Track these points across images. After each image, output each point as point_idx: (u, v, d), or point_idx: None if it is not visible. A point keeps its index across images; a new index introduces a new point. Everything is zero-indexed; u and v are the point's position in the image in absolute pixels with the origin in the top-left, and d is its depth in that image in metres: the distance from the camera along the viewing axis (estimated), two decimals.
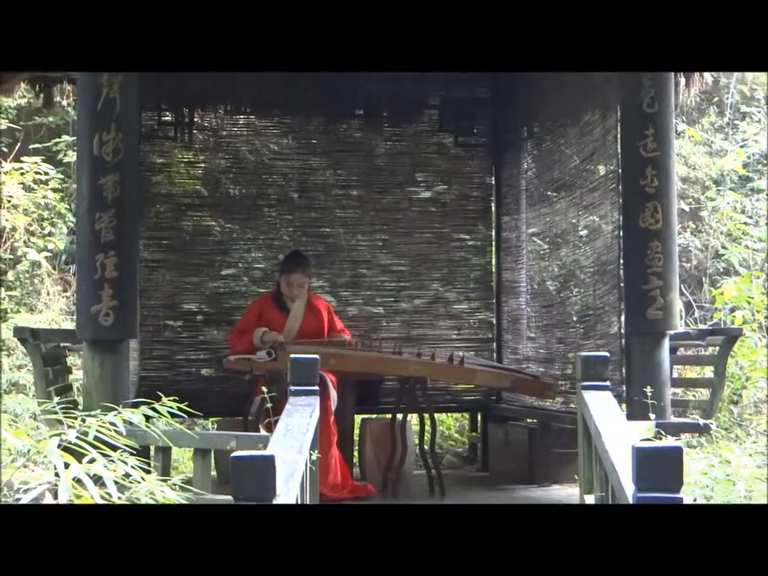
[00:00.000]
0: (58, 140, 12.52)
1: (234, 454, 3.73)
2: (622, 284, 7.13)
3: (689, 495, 4.49)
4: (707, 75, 8.83)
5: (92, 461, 4.48)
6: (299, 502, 4.55)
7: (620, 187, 7.15)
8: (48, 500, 4.43)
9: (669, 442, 5.29)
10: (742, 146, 12.94)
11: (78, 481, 4.40)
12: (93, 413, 5.06)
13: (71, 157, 11.83)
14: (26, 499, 4.64)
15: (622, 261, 7.13)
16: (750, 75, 13.15)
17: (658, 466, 3.72)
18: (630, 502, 3.82)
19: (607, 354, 6.19)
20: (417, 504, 5.97)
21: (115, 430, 4.81)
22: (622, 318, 7.09)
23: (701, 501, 5.49)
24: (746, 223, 12.36)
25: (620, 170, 7.12)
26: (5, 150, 12.75)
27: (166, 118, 9.18)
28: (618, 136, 7.16)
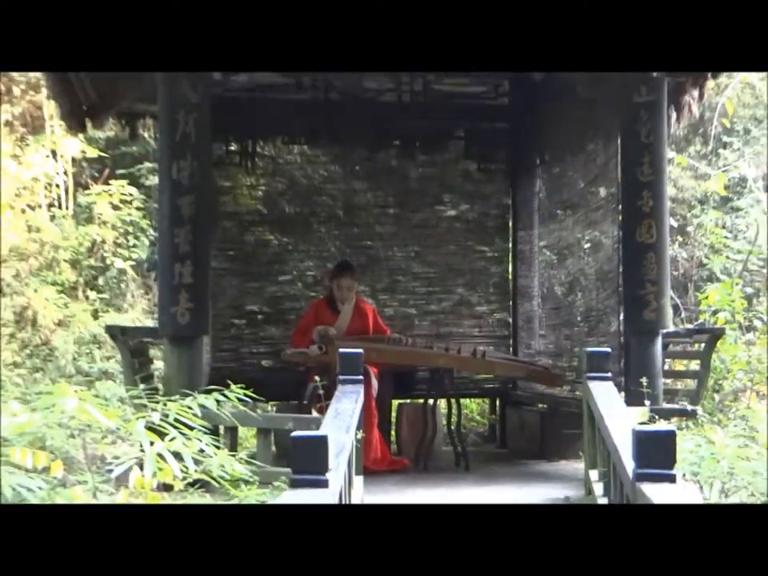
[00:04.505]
0: (140, 166, 12.59)
1: (294, 433, 3.74)
2: (620, 289, 7.10)
3: (679, 471, 4.45)
4: (695, 109, 8.78)
5: (172, 439, 4.52)
6: (347, 476, 4.56)
7: (619, 207, 7.12)
8: (135, 472, 4.44)
9: (663, 425, 5.28)
10: (723, 171, 12.85)
11: (161, 456, 4.43)
12: (173, 398, 5.10)
13: (152, 180, 11.87)
14: (117, 471, 4.68)
15: (621, 270, 7.09)
16: (730, 109, 13.05)
17: (655, 446, 3.71)
18: (630, 476, 3.81)
19: (608, 349, 6.18)
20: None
21: (192, 413, 4.85)
22: (621, 319, 7.06)
23: (689, 476, 5.46)
24: (726, 237, 12.27)
25: (619, 193, 7.09)
26: (96, 174, 12.86)
27: (233, 148, 9.22)
28: (618, 163, 7.12)
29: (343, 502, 4.31)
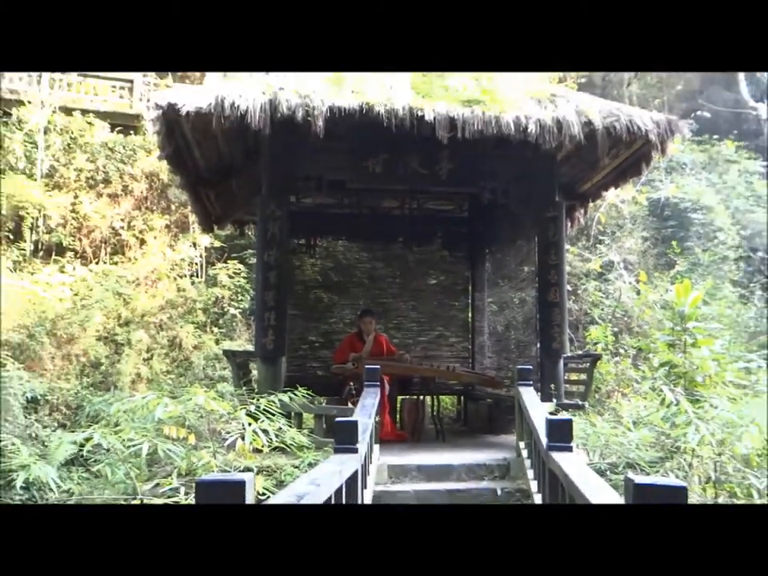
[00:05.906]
0: (245, 252, 12.65)
1: (337, 419, 3.70)
2: (537, 329, 7.03)
3: (574, 443, 4.37)
4: (581, 220, 8.78)
5: (262, 421, 4.48)
6: (369, 445, 4.49)
7: (536, 279, 7.08)
8: (239, 442, 4.39)
9: (564, 415, 5.20)
10: (599, 257, 12.86)
11: (255, 431, 4.39)
12: (263, 395, 5.07)
13: (253, 261, 11.92)
14: (228, 441, 4.64)
15: (537, 317, 7.03)
16: (603, 219, 13.09)
17: (559, 428, 3.65)
18: (544, 447, 3.74)
19: (530, 366, 6.11)
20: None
21: (274, 405, 4.81)
22: (538, 347, 6.99)
23: (581, 446, 5.38)
24: (601, 297, 12.24)
25: (536, 270, 7.06)
26: (219, 257, 12.91)
27: (302, 242, 9.25)
28: (536, 252, 7.09)
29: (366, 463, 4.25)
